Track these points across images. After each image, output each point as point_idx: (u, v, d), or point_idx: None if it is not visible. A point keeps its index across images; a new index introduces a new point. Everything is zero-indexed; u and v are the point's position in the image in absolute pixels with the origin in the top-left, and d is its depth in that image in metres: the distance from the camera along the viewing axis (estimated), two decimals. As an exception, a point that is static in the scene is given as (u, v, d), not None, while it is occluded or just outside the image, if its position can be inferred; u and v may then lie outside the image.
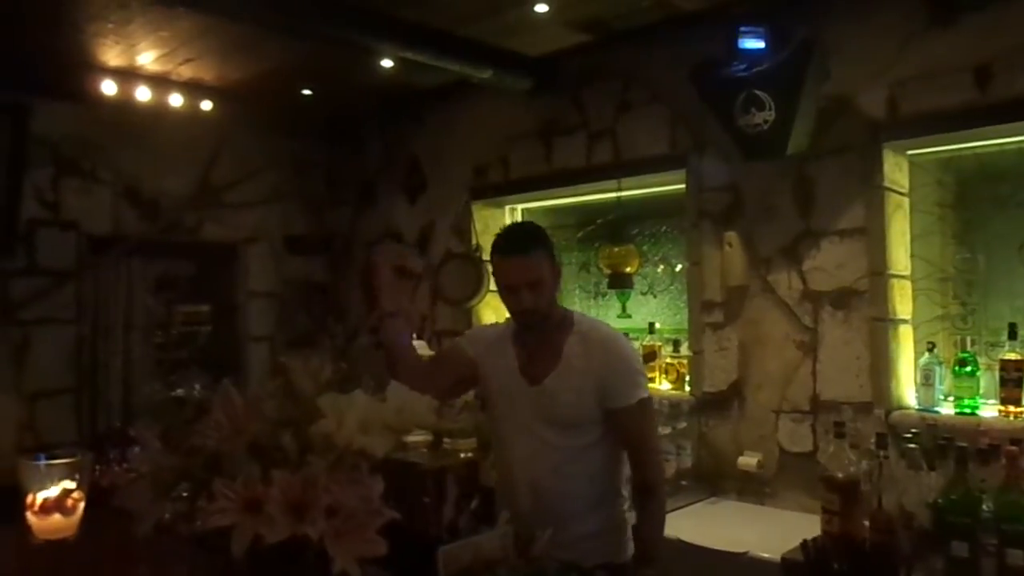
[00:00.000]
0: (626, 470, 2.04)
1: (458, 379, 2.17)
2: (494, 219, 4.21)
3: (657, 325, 3.48)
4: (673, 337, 3.41)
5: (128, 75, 3.77)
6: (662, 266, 3.65)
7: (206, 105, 4.06)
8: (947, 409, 2.61)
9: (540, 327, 2.02)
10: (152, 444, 1.26)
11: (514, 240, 2.06)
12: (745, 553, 2.40)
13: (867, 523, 2.14)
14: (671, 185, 3.42)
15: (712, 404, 3.15)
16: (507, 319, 2.12)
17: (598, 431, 1.98)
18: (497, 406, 2.11)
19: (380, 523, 1.14)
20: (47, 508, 1.54)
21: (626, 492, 2.06)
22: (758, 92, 2.78)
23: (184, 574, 1.66)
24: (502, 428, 2.10)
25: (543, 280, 1.98)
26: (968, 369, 2.56)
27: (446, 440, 3.44)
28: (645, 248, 3.64)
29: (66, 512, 1.56)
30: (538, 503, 1.94)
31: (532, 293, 1.97)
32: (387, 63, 3.52)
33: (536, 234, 2.06)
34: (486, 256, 4.08)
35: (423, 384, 1.95)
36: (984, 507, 2.00)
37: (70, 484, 1.57)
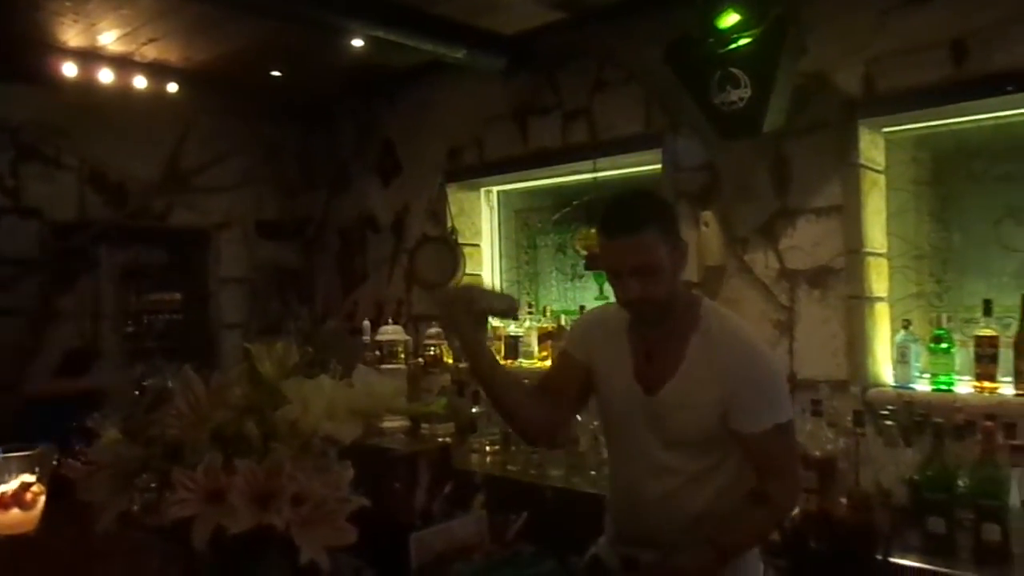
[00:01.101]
0: None
1: (579, 392, 1.82)
2: (469, 202, 4.16)
3: (634, 306, 3.46)
4: (650, 318, 3.39)
5: (89, 56, 3.67)
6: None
7: (172, 87, 3.96)
8: (923, 386, 2.62)
9: (658, 320, 1.67)
10: (111, 434, 1.21)
11: (619, 217, 1.65)
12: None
13: (844, 500, 2.15)
14: (647, 165, 3.39)
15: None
16: None
17: (722, 451, 1.65)
18: (607, 413, 1.81)
19: (349, 511, 1.10)
20: (5, 502, 1.49)
21: None
22: (733, 70, 2.75)
23: (152, 567, 1.62)
24: (612, 439, 1.82)
25: (657, 265, 1.60)
26: (944, 346, 2.57)
27: (423, 426, 3.41)
28: (622, 229, 3.60)
29: (25, 506, 1.50)
30: (643, 527, 1.68)
31: (642, 281, 1.59)
32: (358, 43, 3.44)
33: (648, 208, 1.67)
34: (462, 239, 4.04)
35: (542, 413, 1.76)
36: (960, 482, 2.01)
37: (29, 478, 1.52)
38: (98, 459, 1.19)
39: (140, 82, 3.86)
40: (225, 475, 1.05)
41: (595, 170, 3.44)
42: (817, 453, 2.24)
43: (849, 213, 2.75)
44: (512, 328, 3.52)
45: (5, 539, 1.50)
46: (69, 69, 3.65)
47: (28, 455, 1.53)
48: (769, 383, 1.64)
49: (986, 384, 2.47)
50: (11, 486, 1.49)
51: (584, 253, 3.49)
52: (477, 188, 4.16)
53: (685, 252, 1.68)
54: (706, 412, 1.61)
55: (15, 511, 1.49)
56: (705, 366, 1.62)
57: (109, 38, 3.53)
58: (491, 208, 4.23)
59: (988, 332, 2.49)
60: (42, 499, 1.53)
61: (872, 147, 2.79)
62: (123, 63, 3.78)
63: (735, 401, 1.59)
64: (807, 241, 2.84)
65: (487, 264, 4.20)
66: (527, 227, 4.16)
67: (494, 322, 3.80)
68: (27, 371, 3.40)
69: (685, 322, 1.67)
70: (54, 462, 1.59)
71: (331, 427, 1.09)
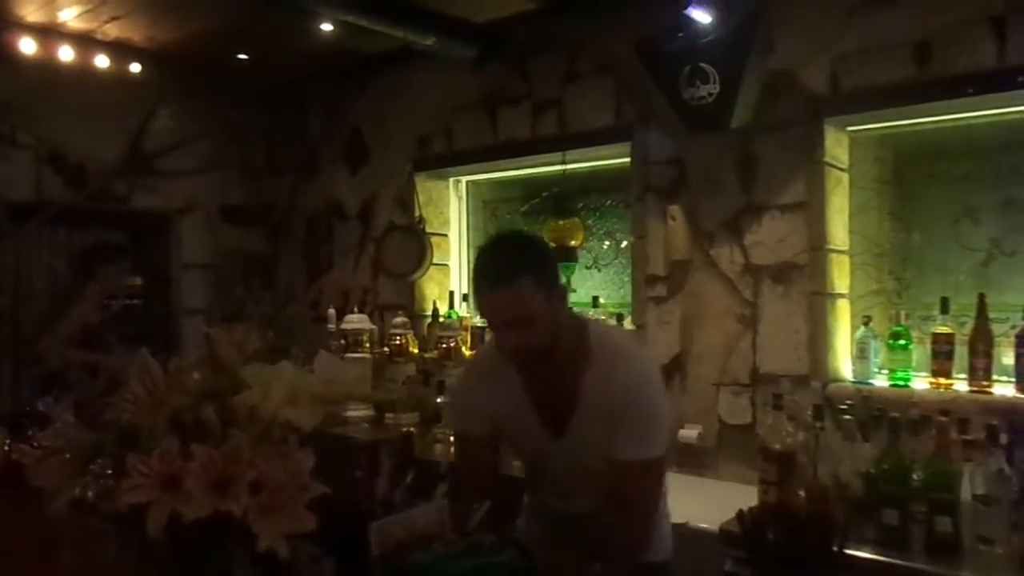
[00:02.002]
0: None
1: (495, 453, 1.80)
2: (437, 191, 4.14)
3: (601, 299, 3.48)
4: (617, 311, 3.41)
5: (49, 32, 3.57)
6: (607, 241, 3.64)
7: (135, 67, 3.87)
8: (881, 381, 2.67)
9: (540, 362, 1.63)
10: (64, 418, 1.19)
11: (490, 269, 1.59)
12: (684, 524, 2.41)
13: (802, 493, 2.18)
14: (616, 158, 3.40)
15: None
16: (488, 342, 1.83)
17: None
18: (521, 454, 1.83)
19: (308, 498, 1.09)
20: (-48, 487, 1.44)
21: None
22: (703, 65, 2.77)
23: (107, 555, 1.59)
24: (527, 467, 1.84)
25: (532, 315, 1.55)
26: (902, 342, 2.62)
27: (388, 415, 3.40)
28: (590, 222, 3.62)
29: (-27, 492, 1.46)
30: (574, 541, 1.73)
31: (519, 331, 1.56)
32: (327, 27, 3.40)
33: (520, 258, 1.60)
34: (429, 229, 4.02)
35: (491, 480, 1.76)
36: (914, 476, 2.05)
37: (-22, 462, 1.48)
38: (50, 443, 1.16)
39: (102, 61, 3.77)
40: (181, 461, 1.04)
41: (564, 162, 3.44)
42: (777, 446, 2.27)
43: (813, 210, 2.79)
44: (479, 319, 3.51)
45: (-48, 525, 1.46)
46: (27, 45, 3.55)
47: (-23, 440, 1.49)
48: (648, 417, 1.62)
49: (942, 380, 2.53)
50: (-41, 471, 1.45)
51: (552, 245, 3.49)
52: (446, 178, 4.14)
53: (564, 295, 1.67)
54: (606, 444, 1.60)
55: (-37, 497, 1.45)
56: (600, 404, 1.61)
57: (69, 14, 3.44)
58: (459, 198, 4.21)
59: (945, 330, 2.54)
60: (-9, 484, 1.49)
61: (837, 145, 2.83)
62: (84, 41, 3.69)
63: (615, 427, 1.59)
64: (772, 237, 2.88)
65: (455, 254, 4.19)
66: (495, 218, 4.16)
67: (461, 311, 3.79)
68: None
69: (576, 358, 1.64)
70: (5, 447, 1.55)
71: (292, 413, 1.08)
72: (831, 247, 2.80)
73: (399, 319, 3.73)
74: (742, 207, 2.94)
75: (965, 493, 1.97)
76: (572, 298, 3.56)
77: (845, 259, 2.86)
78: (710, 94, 2.77)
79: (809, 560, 1.08)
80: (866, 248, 2.88)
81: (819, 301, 2.78)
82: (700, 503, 2.59)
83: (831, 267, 2.80)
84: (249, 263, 4.68)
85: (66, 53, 3.65)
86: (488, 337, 1.92)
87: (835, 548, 1.12)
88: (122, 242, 4.34)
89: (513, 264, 1.58)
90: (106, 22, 3.53)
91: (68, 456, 1.16)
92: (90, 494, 1.56)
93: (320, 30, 3.42)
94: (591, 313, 3.40)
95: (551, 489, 1.79)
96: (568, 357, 1.64)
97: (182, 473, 1.02)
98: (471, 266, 4.04)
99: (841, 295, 2.84)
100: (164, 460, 1.02)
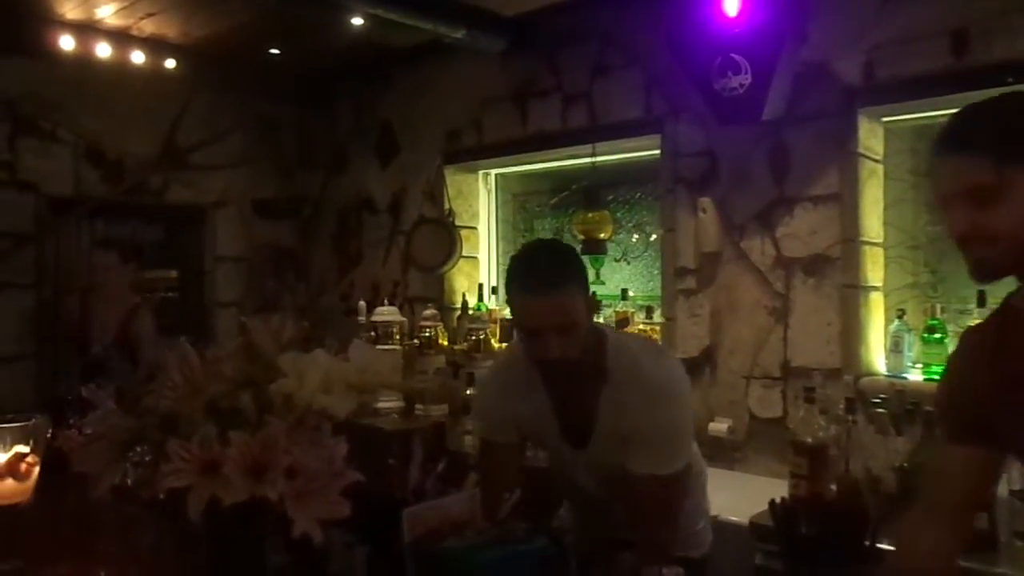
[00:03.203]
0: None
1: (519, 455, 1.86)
2: (467, 184, 4.15)
3: (630, 292, 3.47)
4: (646, 304, 3.40)
5: (87, 29, 3.63)
6: (636, 234, 3.63)
7: (170, 63, 3.93)
8: (915, 375, 2.63)
9: (570, 372, 1.62)
10: (106, 404, 1.22)
11: (540, 273, 1.58)
12: (715, 517, 2.40)
13: (834, 487, 2.17)
14: (646, 151, 3.39)
15: (684, 370, 3.14)
16: (510, 348, 1.85)
17: None
18: (548, 460, 1.86)
19: (342, 485, 1.11)
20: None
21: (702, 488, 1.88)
22: (734, 55, 2.74)
23: (147, 540, 1.63)
24: (556, 479, 1.86)
25: (577, 322, 1.56)
26: (937, 336, 2.58)
27: (418, 407, 3.42)
28: (619, 215, 3.61)
29: (19, 477, 1.50)
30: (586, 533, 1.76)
31: (563, 338, 1.54)
32: (357, 21, 3.42)
33: (568, 263, 1.62)
34: (459, 222, 4.04)
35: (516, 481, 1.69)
36: (949, 470, 2.02)
37: (23, 448, 1.52)
38: (93, 429, 1.19)
39: (138, 57, 3.83)
40: (220, 447, 1.06)
41: (594, 154, 3.43)
42: (809, 440, 2.26)
43: (846, 202, 2.75)
44: (508, 313, 3.52)
45: (-1, 509, 1.50)
46: (66, 42, 3.62)
47: (23, 426, 1.52)
48: (665, 433, 1.61)
49: (978, 374, 2.48)
50: (5, 456, 1.49)
51: (581, 238, 3.49)
52: (475, 171, 4.15)
53: (593, 304, 1.70)
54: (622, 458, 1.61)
55: (9, 481, 1.49)
56: (618, 418, 1.61)
57: (107, 11, 3.50)
58: (488, 191, 4.22)
59: (982, 323, 2.49)
60: (36, 470, 1.53)
61: (871, 136, 2.79)
62: (120, 37, 3.75)
63: (635, 439, 1.59)
64: (804, 229, 2.85)
65: (484, 247, 4.20)
66: (524, 211, 4.16)
67: (490, 304, 3.81)
68: None
69: (594, 373, 1.63)
70: (48, 434, 1.59)
71: (326, 401, 1.09)
72: (865, 239, 2.76)
73: (428, 311, 3.75)
74: (774, 199, 2.92)
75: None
76: (602, 291, 3.56)
77: (879, 251, 2.82)
78: (741, 85, 2.74)
79: (841, 553, 1.07)
80: (901, 240, 2.83)
81: (852, 294, 2.75)
82: (730, 496, 2.58)
83: (865, 259, 2.76)
84: (280, 256, 4.73)
85: (103, 50, 3.71)
86: (516, 336, 1.93)
87: (867, 542, 1.11)
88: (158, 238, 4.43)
89: (563, 271, 1.59)
90: (142, 19, 3.59)
91: (110, 442, 1.20)
92: (129, 481, 1.60)
93: (351, 24, 3.45)
94: (619, 306, 3.40)
95: (577, 494, 1.82)
96: (588, 371, 1.63)
97: (220, 459, 1.05)
98: (502, 262, 4.09)
99: (875, 288, 2.80)
100: (203, 446, 1.05)
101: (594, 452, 1.66)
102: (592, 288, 3.32)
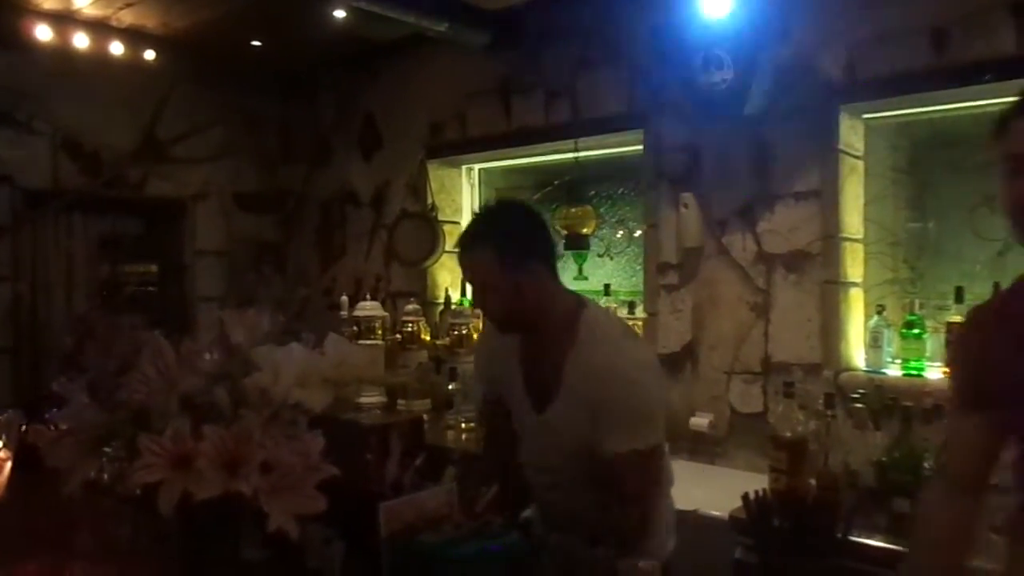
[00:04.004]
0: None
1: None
2: (450, 178, 4.14)
3: (613, 287, 3.47)
4: (629, 299, 3.41)
5: (64, 19, 3.59)
6: (620, 230, 3.63)
7: (149, 55, 3.88)
8: (894, 371, 2.65)
9: (517, 330, 1.70)
10: (78, 399, 1.20)
11: (465, 232, 1.73)
12: (694, 511, 2.42)
13: (813, 481, 2.18)
14: (629, 146, 3.39)
15: (665, 365, 3.14)
16: None
17: None
18: (514, 418, 1.82)
19: (318, 479, 1.10)
20: (-30, 467, 1.47)
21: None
22: (717, 51, 2.75)
23: (122, 535, 1.61)
24: (520, 451, 1.83)
25: (489, 283, 1.64)
26: (915, 331, 2.60)
27: (400, 402, 3.41)
28: (603, 210, 3.61)
29: (-9, 472, 1.49)
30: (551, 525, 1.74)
31: (482, 295, 1.66)
32: (340, 13, 3.40)
33: (490, 224, 1.71)
34: (442, 216, 4.02)
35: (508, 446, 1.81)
36: (926, 465, 2.05)
37: (-5, 443, 1.50)
38: (65, 424, 1.18)
39: (116, 48, 3.78)
40: (193, 441, 1.05)
41: (577, 150, 3.43)
42: (788, 434, 2.27)
43: (827, 198, 2.77)
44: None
45: (-30, 504, 1.48)
46: (43, 32, 3.57)
47: (-6, 420, 1.51)
48: (635, 406, 1.59)
49: (955, 370, 2.51)
50: (-24, 451, 1.47)
51: (564, 233, 3.49)
52: (458, 165, 4.14)
53: (537, 274, 1.66)
54: (587, 431, 1.58)
55: (-20, 476, 1.47)
56: (582, 386, 1.59)
57: (84, 1, 3.45)
58: (472, 185, 4.21)
59: (959, 319, 2.51)
60: (8, 465, 1.52)
61: (852, 133, 2.81)
62: (99, 28, 3.70)
63: (599, 420, 1.57)
64: (785, 225, 2.86)
65: (467, 242, 4.18)
66: (508, 206, 4.15)
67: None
68: None
69: (564, 337, 1.64)
70: (21, 429, 1.57)
71: (302, 395, 1.09)
72: (845, 235, 2.78)
73: (411, 306, 3.74)
74: (755, 195, 2.93)
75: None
76: (583, 286, 3.56)
77: (859, 248, 2.84)
78: (724, 80, 2.75)
79: (814, 546, 1.08)
80: (881, 237, 2.85)
81: (832, 290, 2.76)
82: (710, 490, 2.59)
83: (845, 256, 2.78)
84: (263, 250, 4.70)
85: (81, 40, 3.67)
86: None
87: (839, 535, 1.12)
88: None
89: (476, 232, 1.69)
90: (120, 9, 3.54)
91: (82, 437, 1.18)
92: (105, 476, 1.58)
93: (333, 17, 3.42)
94: (602, 301, 3.40)
95: (529, 465, 1.79)
96: (557, 335, 1.65)
97: (193, 453, 1.04)
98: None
99: (855, 284, 2.82)
100: (176, 440, 1.03)
101: (553, 417, 1.65)
102: (577, 284, 3.33)
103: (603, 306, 1.84)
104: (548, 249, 1.73)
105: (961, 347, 1.41)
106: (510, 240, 1.65)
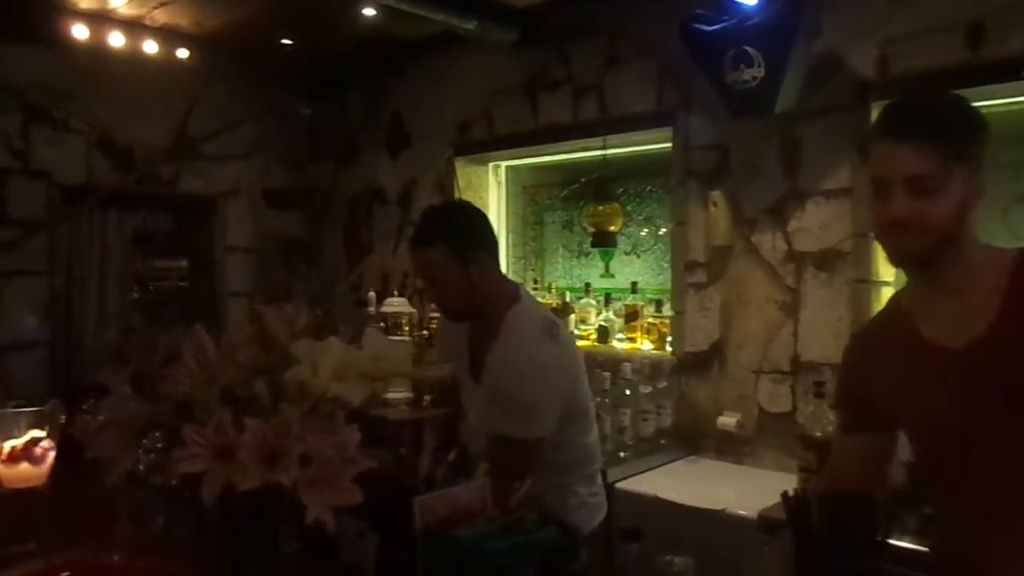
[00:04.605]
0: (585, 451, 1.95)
1: None
2: (477, 176, 4.15)
3: (640, 285, 3.47)
4: (656, 297, 3.40)
5: (100, 19, 3.65)
6: (646, 227, 3.62)
7: (182, 53, 3.94)
8: (926, 371, 2.62)
9: (461, 319, 1.88)
10: (122, 390, 1.23)
11: (416, 230, 1.86)
12: (722, 510, 2.42)
13: (843, 481, 2.16)
14: (657, 143, 3.38)
15: (693, 364, 3.15)
16: None
17: None
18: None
19: (355, 472, 1.11)
20: (15, 456, 1.51)
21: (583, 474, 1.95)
22: (747, 48, 2.73)
23: (159, 525, 1.64)
24: (465, 418, 2.03)
25: (438, 278, 1.79)
26: (948, 331, 2.56)
27: (426, 397, 3.43)
28: (629, 208, 3.61)
29: (35, 461, 1.53)
30: None
31: (432, 289, 1.83)
32: (369, 12, 3.42)
33: (441, 223, 1.84)
34: (469, 213, 4.04)
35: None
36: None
37: (38, 433, 1.54)
38: (109, 415, 1.20)
39: (150, 47, 3.84)
40: (235, 433, 1.07)
41: (605, 147, 3.42)
42: (817, 434, 2.26)
43: (859, 196, 2.74)
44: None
45: (15, 492, 1.52)
46: (79, 32, 3.63)
47: (38, 410, 1.55)
48: (520, 397, 1.74)
49: (989, 370, 2.47)
50: (21, 440, 1.51)
51: (592, 230, 3.49)
52: (485, 163, 4.15)
53: (486, 264, 1.82)
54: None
55: (25, 465, 1.51)
56: (491, 375, 1.80)
57: (120, 1, 3.51)
58: (499, 183, 4.22)
59: (993, 319, 2.48)
60: (52, 455, 1.55)
61: (884, 130, 2.77)
62: (133, 27, 3.76)
63: (494, 404, 1.77)
64: (815, 223, 2.84)
65: (493, 239, 4.20)
66: (534, 203, 4.16)
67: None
68: None
69: (494, 328, 1.82)
70: (62, 420, 1.61)
71: (340, 388, 1.10)
72: (876, 234, 2.75)
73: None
74: (785, 193, 2.91)
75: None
76: (610, 284, 3.56)
77: (891, 246, 2.81)
78: (754, 78, 2.73)
79: (853, 547, 1.08)
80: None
81: (863, 289, 2.74)
82: (738, 490, 2.59)
83: (876, 254, 2.75)
84: (290, 247, 4.75)
85: (116, 39, 3.72)
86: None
87: (879, 538, 1.11)
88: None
89: (428, 230, 1.81)
90: (154, 8, 3.60)
91: (125, 427, 1.21)
92: (141, 467, 1.61)
93: (363, 15, 3.45)
94: (629, 299, 3.40)
95: (467, 429, 1.98)
96: (491, 326, 1.83)
97: (236, 445, 1.06)
98: (512, 255, 4.10)
99: (886, 283, 2.79)
100: (219, 431, 1.05)
101: (481, 393, 1.85)
102: (604, 282, 3.32)
103: (535, 302, 2.00)
104: (493, 242, 1.89)
105: (843, 371, 1.51)
106: (460, 235, 1.80)
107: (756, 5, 2.69)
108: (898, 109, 1.30)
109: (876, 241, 1.35)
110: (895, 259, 1.32)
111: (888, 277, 2.79)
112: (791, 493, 1.17)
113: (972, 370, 1.23)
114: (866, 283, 2.74)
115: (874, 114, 2.68)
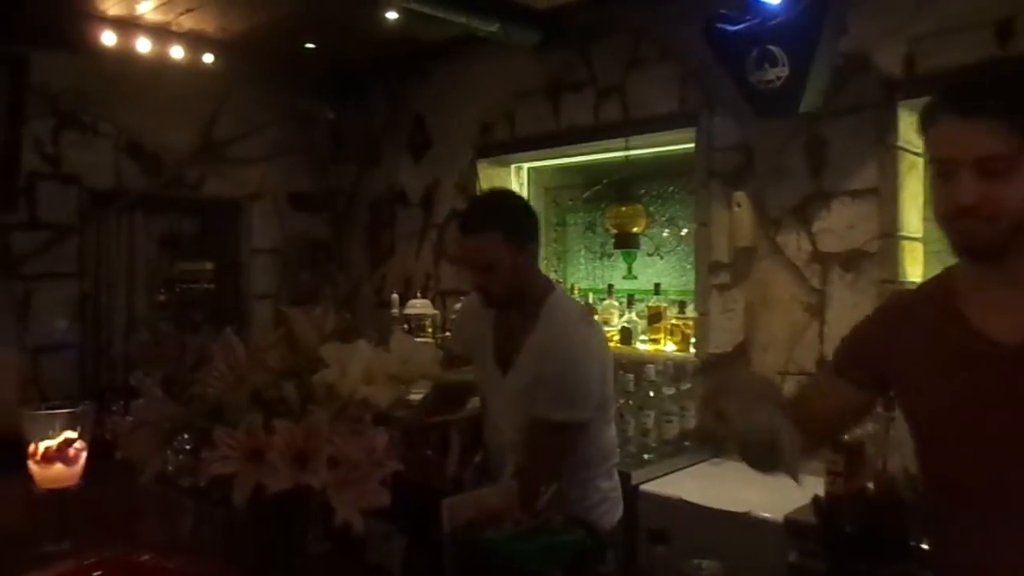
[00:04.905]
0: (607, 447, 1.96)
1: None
2: (499, 178, 4.15)
3: (663, 286, 3.45)
4: (679, 299, 3.39)
5: (128, 25, 3.70)
6: (668, 229, 3.61)
7: (208, 58, 3.98)
8: (955, 373, 2.59)
9: (503, 305, 1.89)
10: (153, 392, 1.25)
11: (470, 216, 1.90)
12: (747, 512, 2.40)
13: (871, 485, 2.14)
14: (680, 144, 3.36)
15: (717, 365, 3.13)
16: None
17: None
18: (480, 387, 2.06)
19: (383, 474, 1.12)
20: (49, 457, 1.53)
21: (606, 468, 1.96)
22: (772, 47, 2.71)
23: (188, 526, 1.67)
24: (483, 406, 2.04)
25: (495, 265, 1.82)
26: (977, 333, 2.53)
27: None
28: (652, 209, 3.60)
29: (68, 462, 1.55)
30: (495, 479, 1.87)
31: (483, 276, 1.84)
32: (392, 15, 3.44)
33: (496, 211, 1.88)
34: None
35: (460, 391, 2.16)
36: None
37: (72, 434, 1.56)
38: (140, 416, 1.22)
39: (177, 52, 3.88)
40: (265, 435, 1.08)
41: (627, 148, 3.41)
42: (845, 437, 2.23)
43: (885, 196, 2.71)
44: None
45: (49, 492, 1.55)
46: (108, 38, 3.68)
47: (71, 412, 1.57)
48: (570, 379, 1.77)
49: (1019, 372, 2.43)
50: (55, 442, 1.53)
51: (614, 232, 3.48)
52: (507, 164, 4.16)
53: (534, 253, 1.89)
54: (530, 400, 1.78)
55: (58, 466, 1.54)
56: (532, 360, 1.81)
57: (147, 7, 3.56)
58: (521, 184, 4.22)
59: None
60: (84, 455, 1.58)
61: (911, 129, 2.74)
62: (160, 33, 3.81)
63: (537, 390, 1.77)
64: (841, 224, 2.81)
65: (516, 241, 4.20)
66: (556, 204, 4.16)
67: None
68: None
69: (531, 316, 1.85)
70: (93, 421, 1.64)
71: (368, 391, 1.11)
72: (904, 234, 2.72)
73: (460, 304, 3.77)
74: (810, 193, 2.88)
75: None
76: (634, 285, 3.55)
77: (918, 247, 2.77)
78: (779, 77, 2.71)
79: (884, 550, 1.07)
80: (940, 235, 2.76)
81: (890, 290, 2.70)
82: (762, 492, 2.56)
83: (903, 255, 2.72)
84: (315, 249, 4.79)
85: (143, 45, 3.77)
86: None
87: (912, 542, 1.10)
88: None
89: (484, 217, 1.84)
90: (181, 14, 3.64)
91: (156, 429, 1.23)
92: (170, 468, 1.63)
93: (385, 18, 3.47)
94: (652, 300, 3.39)
95: (489, 423, 1.97)
96: (528, 312, 1.85)
97: (265, 447, 1.07)
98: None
99: (913, 284, 2.76)
100: (249, 433, 1.07)
101: (510, 383, 1.86)
102: (627, 283, 3.32)
103: (566, 293, 2.09)
104: (539, 234, 1.94)
105: (866, 320, 1.42)
106: (514, 223, 1.85)
107: (780, 4, 2.67)
108: (963, 82, 1.18)
109: (941, 229, 1.21)
110: (961, 249, 1.18)
111: (915, 278, 2.76)
112: (822, 498, 1.15)
113: (1022, 368, 1.13)
114: (893, 284, 2.70)
115: (901, 113, 2.68)
